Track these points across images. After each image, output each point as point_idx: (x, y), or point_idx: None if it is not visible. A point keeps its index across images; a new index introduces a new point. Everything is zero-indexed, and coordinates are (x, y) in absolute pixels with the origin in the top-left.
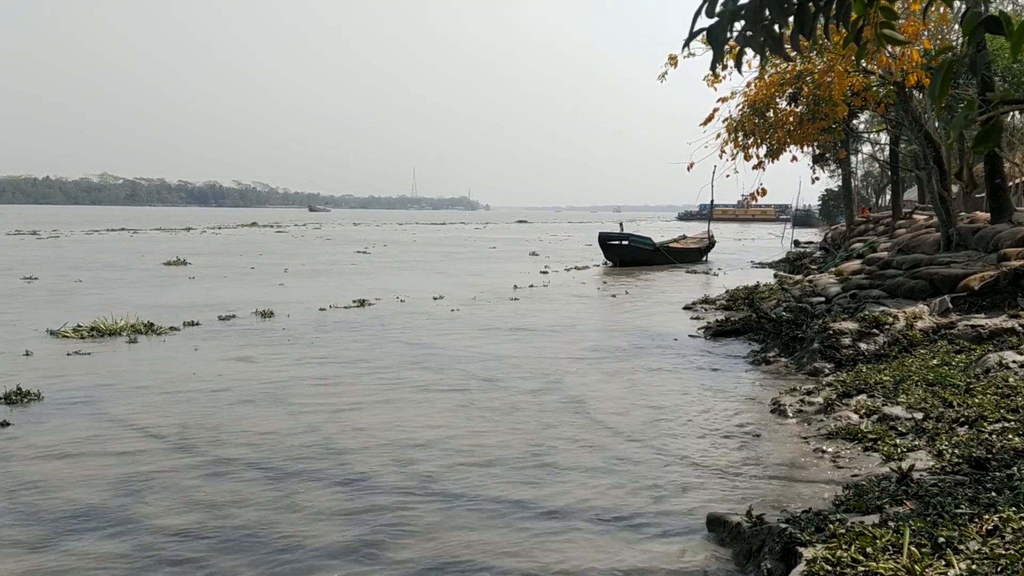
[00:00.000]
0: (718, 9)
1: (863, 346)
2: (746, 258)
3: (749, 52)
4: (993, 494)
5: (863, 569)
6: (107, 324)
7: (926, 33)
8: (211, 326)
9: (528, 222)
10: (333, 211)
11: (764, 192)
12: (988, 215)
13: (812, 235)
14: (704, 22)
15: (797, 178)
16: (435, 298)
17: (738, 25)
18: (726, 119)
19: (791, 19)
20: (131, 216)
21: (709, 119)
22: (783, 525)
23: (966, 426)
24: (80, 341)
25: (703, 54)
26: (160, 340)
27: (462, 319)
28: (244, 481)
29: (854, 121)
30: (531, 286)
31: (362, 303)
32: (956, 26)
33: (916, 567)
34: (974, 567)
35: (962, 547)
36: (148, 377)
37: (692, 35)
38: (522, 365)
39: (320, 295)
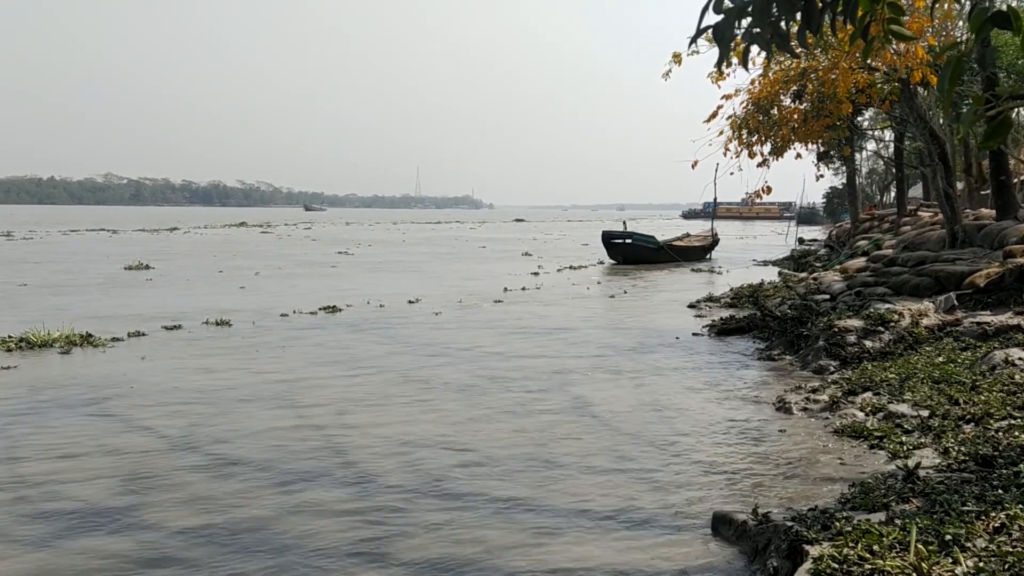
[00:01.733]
0: (725, 6)
1: (868, 344)
2: (751, 256)
3: (754, 49)
4: (1000, 491)
5: (870, 567)
6: (39, 335)
7: (930, 29)
8: (157, 336)
9: (526, 221)
10: (329, 210)
11: (769, 190)
12: (993, 212)
13: (816, 233)
14: (711, 19)
15: (801, 176)
16: (411, 302)
17: (745, 22)
18: (730, 116)
19: (798, 15)
20: (125, 216)
21: (713, 116)
22: (789, 523)
23: (972, 423)
24: (7, 354)
25: (707, 51)
26: (100, 352)
27: (443, 326)
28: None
29: (858, 118)
30: (523, 288)
31: (332, 309)
32: (960, 22)
33: (923, 565)
34: (981, 565)
35: (969, 545)
36: (71, 393)
37: (699, 32)
38: (525, 366)
39: (287, 300)
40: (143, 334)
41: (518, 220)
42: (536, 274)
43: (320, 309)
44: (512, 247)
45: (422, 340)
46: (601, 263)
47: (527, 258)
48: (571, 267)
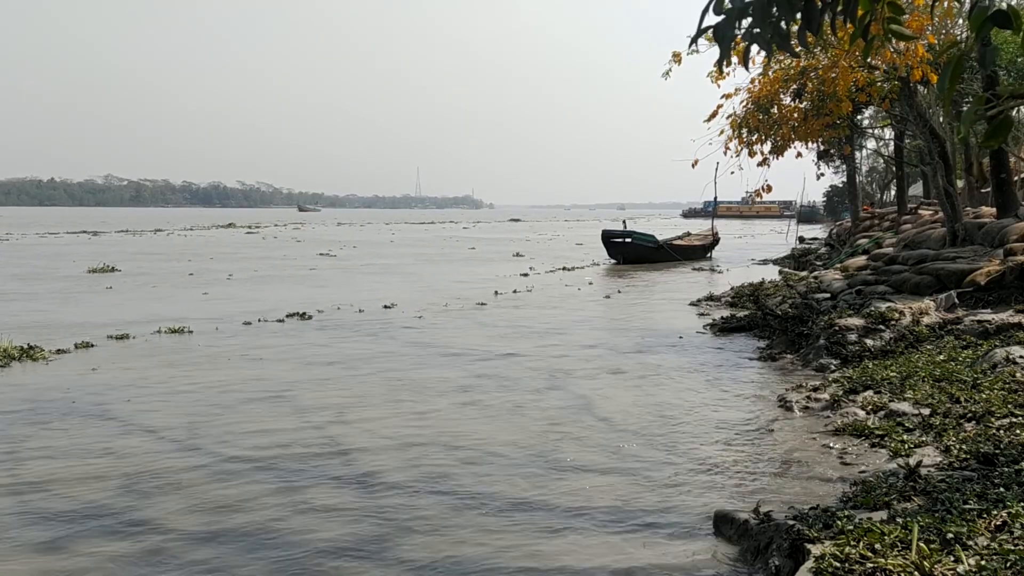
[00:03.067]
0: (726, 6)
1: (869, 342)
2: (751, 255)
3: (754, 48)
4: (1001, 489)
5: (872, 565)
6: None
7: (930, 28)
8: (107, 347)
9: (521, 220)
10: (323, 211)
11: (769, 188)
12: (994, 210)
13: (817, 231)
14: (711, 20)
15: (801, 174)
16: (386, 307)
17: (745, 22)
18: (730, 115)
19: (798, 15)
20: (117, 218)
21: (713, 115)
22: (791, 522)
23: (973, 421)
24: None
25: (707, 51)
26: (43, 365)
27: (421, 335)
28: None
29: (859, 117)
30: (515, 291)
31: (302, 315)
32: (960, 20)
33: (925, 563)
34: (983, 563)
35: (971, 543)
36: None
37: (699, 32)
38: (529, 366)
39: (255, 306)
40: (92, 345)
41: (513, 220)
42: (526, 275)
43: (288, 316)
44: (504, 248)
45: (397, 352)
46: (595, 264)
47: (518, 259)
48: (564, 268)
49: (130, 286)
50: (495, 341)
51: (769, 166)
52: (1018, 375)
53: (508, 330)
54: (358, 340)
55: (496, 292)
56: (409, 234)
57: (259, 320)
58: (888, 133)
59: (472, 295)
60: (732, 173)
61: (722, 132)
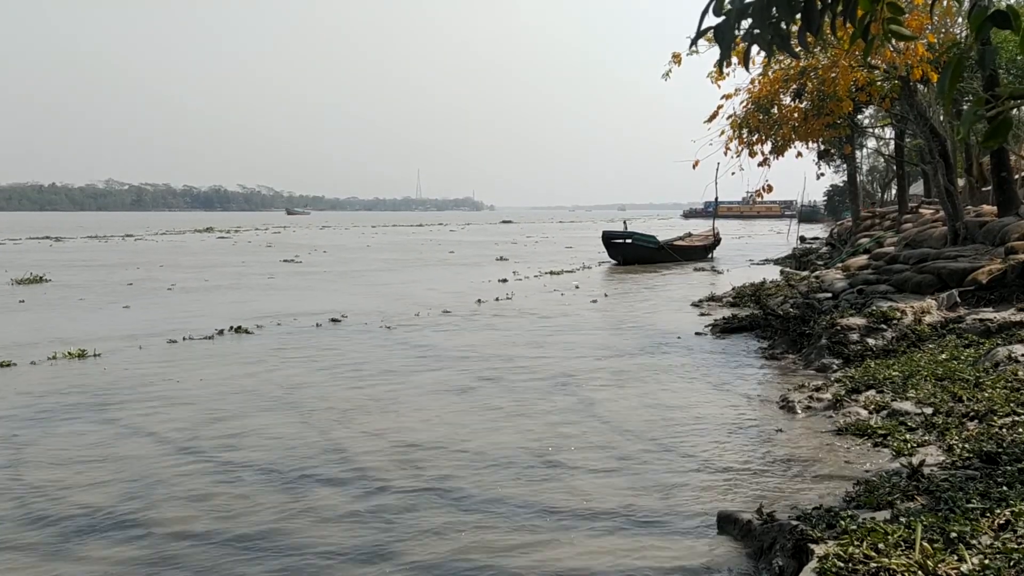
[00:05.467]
0: (726, 7)
1: (871, 341)
2: (752, 255)
3: (754, 48)
4: (1004, 488)
5: (875, 565)
6: None
7: (930, 27)
8: None
9: (513, 222)
10: (313, 214)
11: (770, 188)
12: (995, 208)
13: (818, 231)
14: (711, 20)
15: (802, 174)
16: (333, 320)
17: (745, 23)
18: (730, 116)
19: (798, 16)
20: (92, 222)
21: (713, 116)
22: (794, 522)
23: (976, 420)
24: None
25: (707, 51)
26: None
27: (359, 356)
28: None
29: (859, 116)
30: (497, 299)
31: (238, 330)
32: (960, 19)
33: (928, 563)
34: (987, 562)
35: (974, 542)
36: None
37: (700, 33)
38: (531, 367)
39: (188, 321)
40: None
41: (505, 222)
42: (505, 281)
43: (220, 332)
44: (488, 251)
45: (330, 375)
46: (586, 267)
47: (501, 263)
48: (550, 272)
49: (51, 299)
50: (464, 363)
51: (770, 166)
52: (1020, 373)
53: (470, 350)
54: (295, 365)
55: (479, 300)
56: (391, 237)
57: (184, 338)
58: (888, 132)
59: (440, 304)
60: (733, 174)
61: (722, 133)
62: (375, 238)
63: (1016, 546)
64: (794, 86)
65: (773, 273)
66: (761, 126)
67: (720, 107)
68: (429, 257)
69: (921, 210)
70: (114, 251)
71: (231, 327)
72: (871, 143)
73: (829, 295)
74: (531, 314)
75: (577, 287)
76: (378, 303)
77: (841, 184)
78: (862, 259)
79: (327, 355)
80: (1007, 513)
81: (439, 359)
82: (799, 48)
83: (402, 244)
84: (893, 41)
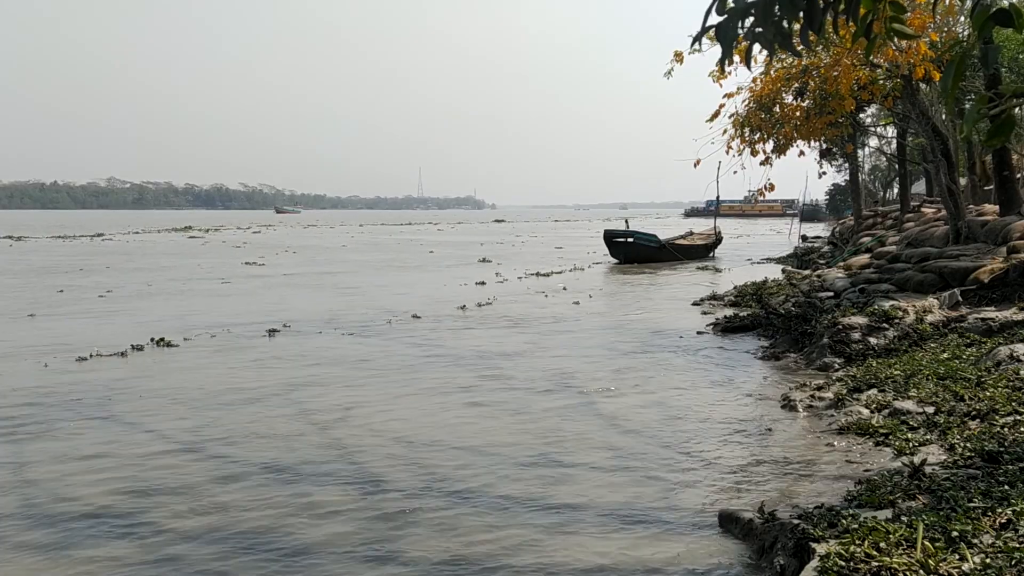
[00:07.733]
0: (728, 6)
1: (873, 340)
2: (754, 254)
3: (756, 46)
4: (1006, 487)
5: (877, 564)
6: None
7: (932, 26)
8: None
9: (505, 221)
10: (304, 212)
11: (772, 187)
12: (997, 207)
13: (819, 230)
14: (714, 20)
15: (804, 173)
16: (269, 332)
17: (747, 21)
18: (732, 115)
19: (800, 14)
20: (92, 220)
21: (715, 115)
22: (796, 521)
23: (978, 420)
24: None
25: (709, 50)
26: None
27: (303, 377)
28: None
29: (861, 115)
30: (478, 304)
31: (163, 343)
32: (962, 17)
33: (930, 562)
34: (988, 561)
35: (976, 541)
36: None
37: (702, 32)
38: (531, 365)
39: (107, 333)
40: None
41: (497, 221)
42: (483, 284)
43: (136, 347)
44: (471, 252)
45: (255, 402)
46: (576, 269)
47: (484, 265)
48: (537, 274)
49: None
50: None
51: (771, 165)
52: (1022, 373)
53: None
54: (225, 378)
55: (463, 307)
56: (373, 237)
57: (92, 355)
58: (890, 131)
59: (406, 309)
60: (735, 172)
61: (724, 131)
62: (355, 237)
63: (1018, 545)
64: (796, 85)
65: (775, 272)
66: (763, 125)
67: (722, 106)
68: (411, 259)
69: (923, 209)
70: (70, 252)
71: (153, 339)
72: (873, 142)
73: (831, 294)
74: (507, 317)
75: (564, 289)
76: (337, 309)
77: (843, 183)
78: (864, 258)
79: (257, 368)
80: (1009, 512)
81: (428, 364)
82: (801, 47)
83: (382, 244)
84: (895, 40)
